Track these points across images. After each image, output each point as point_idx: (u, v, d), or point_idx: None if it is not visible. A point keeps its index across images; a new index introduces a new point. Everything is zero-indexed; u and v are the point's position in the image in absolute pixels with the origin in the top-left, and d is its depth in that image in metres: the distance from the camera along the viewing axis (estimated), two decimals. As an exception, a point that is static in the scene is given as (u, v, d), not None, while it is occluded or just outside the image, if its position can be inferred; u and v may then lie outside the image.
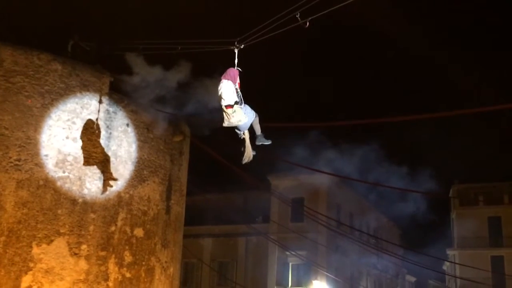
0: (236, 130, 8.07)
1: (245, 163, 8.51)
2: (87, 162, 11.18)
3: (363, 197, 36.52)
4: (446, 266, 42.06)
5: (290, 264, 31.51)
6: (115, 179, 11.44)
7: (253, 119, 8.06)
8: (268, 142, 8.42)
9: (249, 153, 8.32)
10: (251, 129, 8.25)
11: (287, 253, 29.17)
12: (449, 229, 40.66)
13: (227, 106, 7.60)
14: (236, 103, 7.64)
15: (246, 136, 8.23)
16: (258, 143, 8.33)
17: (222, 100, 7.64)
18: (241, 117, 7.71)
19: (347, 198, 34.55)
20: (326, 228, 27.82)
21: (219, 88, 7.73)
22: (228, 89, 7.66)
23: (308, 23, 7.51)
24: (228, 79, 7.73)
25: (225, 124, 7.80)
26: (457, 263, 35.09)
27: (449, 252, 38.96)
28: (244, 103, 7.92)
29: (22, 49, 10.87)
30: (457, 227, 38.67)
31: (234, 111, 7.63)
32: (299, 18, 7.39)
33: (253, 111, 8.03)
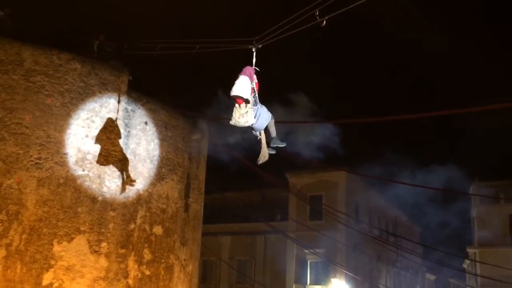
0: (252, 130, 8.02)
1: (261, 163, 8.46)
2: (106, 160, 11.26)
3: (382, 195, 36.28)
4: (466, 264, 41.62)
5: (309, 262, 31.39)
6: (134, 180, 11.48)
7: (269, 120, 8.00)
8: (283, 145, 8.37)
9: (264, 153, 8.28)
10: (266, 131, 8.19)
11: (306, 251, 29.05)
12: (470, 226, 40.23)
13: (238, 99, 7.51)
14: (247, 102, 7.54)
15: (262, 136, 8.18)
16: (273, 145, 8.27)
17: (232, 90, 7.54)
18: (249, 118, 7.59)
19: (366, 196, 34.34)
20: (345, 226, 27.69)
21: (235, 82, 7.67)
22: (243, 83, 7.58)
23: (325, 22, 7.45)
24: (245, 75, 7.68)
25: (232, 122, 7.72)
26: (477, 261, 34.70)
27: (470, 250, 38.53)
28: (261, 104, 7.86)
29: (42, 49, 10.98)
30: (477, 225, 38.24)
31: (246, 111, 7.55)
32: (317, 17, 7.34)
33: (269, 112, 7.96)
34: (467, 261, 39.53)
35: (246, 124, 7.65)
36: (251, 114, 7.57)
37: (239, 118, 7.59)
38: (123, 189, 11.39)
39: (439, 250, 26.31)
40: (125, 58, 12.76)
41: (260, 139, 8.18)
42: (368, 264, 33.55)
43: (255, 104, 7.67)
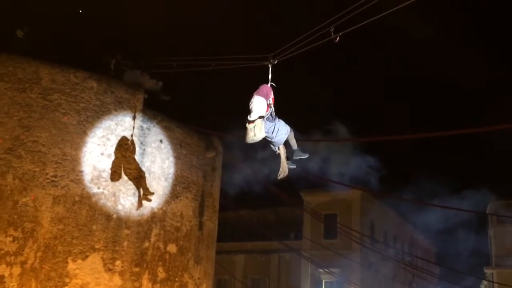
0: (271, 145, 8.00)
1: (281, 178, 8.39)
2: (121, 178, 11.27)
3: (397, 214, 35.97)
4: (484, 285, 40.99)
5: (323, 281, 31.10)
6: (151, 193, 11.50)
7: (288, 134, 7.96)
8: (306, 156, 8.30)
9: (284, 168, 8.22)
10: (287, 145, 8.15)
11: (320, 270, 28.80)
12: (487, 247, 39.69)
13: (249, 122, 7.51)
14: (260, 117, 7.50)
15: (282, 151, 8.12)
16: (295, 157, 8.20)
17: (249, 115, 7.57)
18: (256, 131, 7.52)
19: (381, 215, 34.07)
20: (360, 245, 27.44)
21: (250, 104, 7.68)
22: (259, 105, 7.59)
23: (338, 38, 7.46)
24: (260, 96, 7.68)
25: (245, 140, 7.68)
26: (495, 282, 34.13)
27: (487, 271, 37.95)
28: (278, 118, 7.84)
29: (60, 67, 11.09)
30: (495, 245, 37.70)
31: (255, 125, 7.50)
32: (332, 33, 7.36)
33: (287, 126, 7.93)
34: (485, 282, 38.90)
35: (256, 138, 7.56)
36: (259, 128, 7.49)
37: (248, 133, 7.55)
38: (139, 205, 11.40)
39: (456, 270, 25.96)
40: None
41: (279, 154, 8.13)
42: (383, 284, 33.15)
43: (273, 120, 7.65)
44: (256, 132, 7.47)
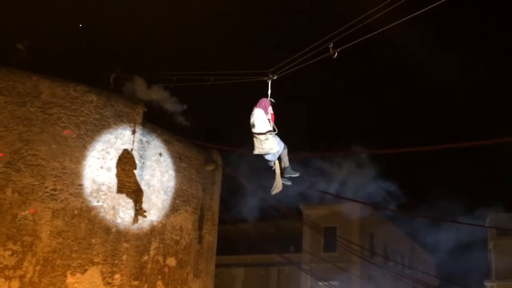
0: (267, 161, 8.06)
1: (275, 194, 8.44)
2: (121, 191, 11.27)
3: (397, 226, 35.92)
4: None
5: (323, 294, 31.03)
6: (144, 211, 11.47)
7: (281, 150, 8.05)
8: (296, 174, 8.37)
9: (278, 184, 8.27)
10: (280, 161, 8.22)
11: (320, 283, 28.72)
12: (486, 259, 39.57)
13: (260, 134, 7.64)
14: (269, 131, 7.68)
15: (277, 167, 8.19)
16: (286, 175, 8.28)
17: (254, 127, 7.71)
18: (273, 145, 7.72)
19: (380, 227, 34.01)
20: (360, 258, 27.40)
21: (251, 116, 7.79)
22: (260, 117, 7.71)
23: (336, 54, 7.52)
24: (260, 108, 7.79)
25: (256, 151, 7.82)
26: (495, 295, 34.02)
27: (487, 284, 37.83)
28: (274, 134, 7.93)
29: (59, 81, 11.12)
30: (494, 258, 37.60)
31: (267, 138, 7.65)
32: (331, 49, 7.41)
33: (282, 142, 8.02)
34: (485, 295, 38.75)
35: (272, 151, 7.75)
36: (272, 141, 7.66)
37: (263, 145, 7.68)
38: (135, 220, 11.38)
39: (456, 283, 25.89)
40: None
41: (275, 169, 8.20)
42: (383, 297, 33.02)
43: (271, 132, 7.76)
44: (273, 146, 7.66)
